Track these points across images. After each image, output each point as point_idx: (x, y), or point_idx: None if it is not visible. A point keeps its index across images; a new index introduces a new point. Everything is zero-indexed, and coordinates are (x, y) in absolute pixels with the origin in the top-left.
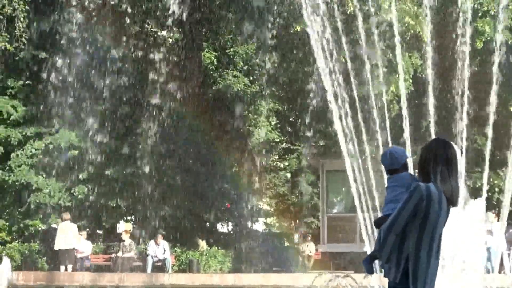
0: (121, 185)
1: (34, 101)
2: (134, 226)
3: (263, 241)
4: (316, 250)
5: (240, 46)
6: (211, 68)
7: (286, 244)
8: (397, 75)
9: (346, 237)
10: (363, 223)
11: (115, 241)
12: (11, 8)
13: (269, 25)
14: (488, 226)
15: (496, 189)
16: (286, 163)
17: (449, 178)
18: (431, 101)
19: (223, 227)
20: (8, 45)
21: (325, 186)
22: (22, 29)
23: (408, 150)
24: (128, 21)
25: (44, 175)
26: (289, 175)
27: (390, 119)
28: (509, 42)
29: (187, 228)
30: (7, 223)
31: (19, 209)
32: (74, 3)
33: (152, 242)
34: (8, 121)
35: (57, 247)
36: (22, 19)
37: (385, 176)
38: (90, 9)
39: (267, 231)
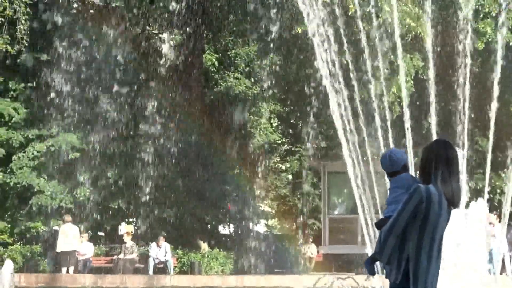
0: (123, 187)
1: (36, 103)
2: (135, 228)
3: (264, 243)
4: (318, 251)
5: (241, 48)
6: (212, 70)
7: (288, 245)
8: (398, 77)
9: (348, 238)
10: (365, 225)
11: (116, 243)
12: (12, 10)
13: (270, 26)
14: (492, 231)
15: (498, 191)
16: (288, 165)
17: (449, 179)
18: (432, 102)
19: (225, 229)
20: (9, 47)
21: (326, 187)
22: (23, 32)
23: (410, 152)
24: (129, 23)
25: (46, 177)
26: (290, 177)
27: (391, 120)
28: (510, 43)
29: (188, 230)
30: (9, 225)
31: (20, 211)
32: (75, 5)
33: (153, 244)
34: (10, 123)
35: (58, 249)
36: (23, 21)
37: (387, 178)
38: (91, 11)
39: (268, 233)
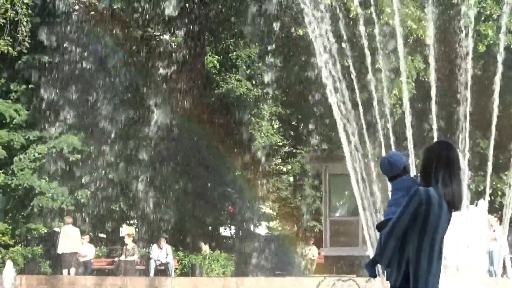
0: (124, 189)
1: (37, 105)
2: (136, 229)
3: (265, 245)
4: (319, 253)
5: (243, 50)
6: (213, 72)
7: (289, 248)
8: (400, 79)
9: (349, 240)
10: (366, 227)
11: (117, 245)
12: (14, 12)
13: (271, 28)
14: (493, 235)
15: (499, 193)
16: (289, 167)
17: (450, 181)
18: (434, 105)
19: (226, 231)
20: (10, 49)
21: (327, 189)
22: (24, 33)
23: (411, 153)
24: (130, 25)
25: (47, 179)
26: (291, 178)
27: (393, 122)
28: (511, 46)
29: (190, 232)
30: (10, 227)
31: (22, 213)
32: (76, 7)
33: (155, 246)
34: (11, 125)
35: (59, 250)
36: (24, 23)
37: (387, 180)
38: (92, 13)
39: (269, 234)
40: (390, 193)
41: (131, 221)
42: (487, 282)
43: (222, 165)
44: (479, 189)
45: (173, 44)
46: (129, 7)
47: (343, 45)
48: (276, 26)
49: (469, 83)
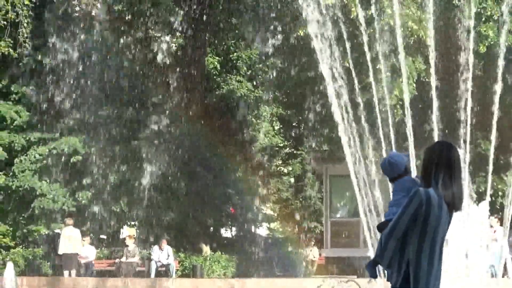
0: (125, 190)
1: (38, 107)
2: (137, 231)
3: (266, 246)
4: (320, 254)
5: (243, 51)
6: (214, 73)
7: (290, 249)
8: (400, 80)
9: (350, 241)
10: (367, 228)
11: (118, 246)
12: (15, 14)
13: (272, 29)
14: (494, 236)
15: (500, 194)
16: (290, 168)
17: (450, 183)
18: (434, 105)
19: (227, 232)
20: (11, 51)
21: (328, 190)
22: (25, 35)
23: (412, 154)
24: (131, 26)
25: (48, 180)
26: (292, 180)
27: (393, 123)
28: None
29: (191, 233)
30: (11, 228)
31: (23, 215)
32: (77, 8)
33: (156, 247)
34: (12, 127)
35: (60, 252)
36: (25, 24)
37: (389, 181)
38: (93, 14)
39: (270, 236)
40: (391, 194)
41: (132, 223)
42: (488, 282)
43: (223, 166)
44: (480, 190)
45: (174, 45)
46: (130, 9)
47: (344, 46)
48: (277, 27)
49: (470, 84)
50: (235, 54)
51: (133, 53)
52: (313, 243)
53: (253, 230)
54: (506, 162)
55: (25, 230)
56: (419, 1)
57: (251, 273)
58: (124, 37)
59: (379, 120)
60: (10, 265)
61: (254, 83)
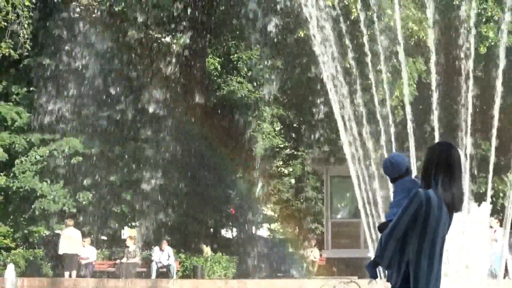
0: (125, 191)
1: (38, 108)
2: (138, 232)
3: (267, 247)
4: (320, 255)
5: (244, 52)
6: (215, 74)
7: (290, 249)
8: (401, 81)
9: (350, 242)
10: (367, 229)
11: (119, 247)
12: (15, 15)
13: (273, 30)
14: (493, 236)
15: (501, 194)
16: (290, 169)
17: (450, 184)
18: (435, 106)
19: (228, 233)
20: (12, 52)
21: (329, 191)
22: (26, 36)
23: (412, 155)
24: (132, 27)
25: (49, 181)
26: (293, 180)
27: (394, 124)
28: None
29: (191, 234)
30: (12, 230)
31: (23, 216)
32: (78, 9)
33: (156, 248)
34: (12, 128)
35: (60, 252)
36: (26, 25)
37: (389, 182)
38: (94, 15)
39: (271, 236)
40: (392, 194)
41: (133, 223)
42: (488, 283)
43: (224, 167)
44: (481, 191)
45: (174, 46)
46: (131, 9)
47: (345, 46)
48: (277, 27)
49: (470, 85)
50: (235, 55)
51: (134, 54)
52: (313, 244)
53: (253, 231)
54: (506, 163)
55: (25, 231)
56: (419, 2)
57: (252, 274)
58: (125, 37)
59: (380, 121)
60: (10, 266)
61: (255, 84)
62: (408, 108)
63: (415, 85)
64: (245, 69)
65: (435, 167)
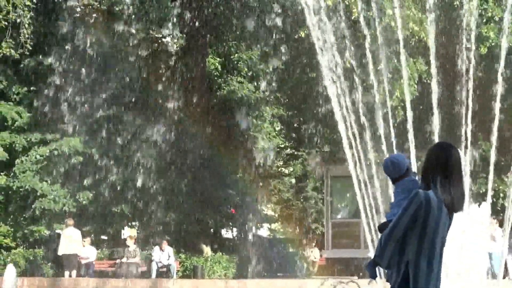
0: (126, 191)
1: (39, 107)
2: (138, 232)
3: (267, 247)
4: (321, 255)
5: (244, 52)
6: (215, 74)
7: (291, 249)
8: (402, 81)
9: (351, 242)
10: (368, 229)
11: (119, 247)
12: (16, 15)
13: (273, 30)
14: (493, 236)
15: (501, 195)
16: (291, 169)
17: (449, 185)
18: (435, 107)
19: (228, 233)
20: (12, 51)
21: (329, 191)
22: (26, 36)
23: (413, 156)
24: (132, 27)
25: (49, 181)
26: (293, 180)
27: (395, 124)
28: None
29: (191, 233)
30: (12, 229)
31: (23, 215)
32: (78, 9)
33: (156, 248)
34: (13, 127)
35: (60, 252)
36: (26, 25)
37: (390, 182)
38: (94, 15)
39: (271, 236)
40: (392, 195)
41: (133, 223)
42: (488, 283)
43: (224, 167)
44: (481, 191)
45: (175, 46)
46: (131, 9)
47: (345, 47)
48: (278, 28)
49: (471, 85)
50: (236, 55)
51: (135, 54)
52: (314, 244)
53: (254, 231)
54: (507, 163)
55: (26, 231)
56: (420, 2)
57: (252, 273)
58: (125, 37)
59: (380, 121)
60: (10, 266)
61: (255, 84)
62: (408, 108)
63: (415, 86)
64: (246, 69)
65: (434, 168)
